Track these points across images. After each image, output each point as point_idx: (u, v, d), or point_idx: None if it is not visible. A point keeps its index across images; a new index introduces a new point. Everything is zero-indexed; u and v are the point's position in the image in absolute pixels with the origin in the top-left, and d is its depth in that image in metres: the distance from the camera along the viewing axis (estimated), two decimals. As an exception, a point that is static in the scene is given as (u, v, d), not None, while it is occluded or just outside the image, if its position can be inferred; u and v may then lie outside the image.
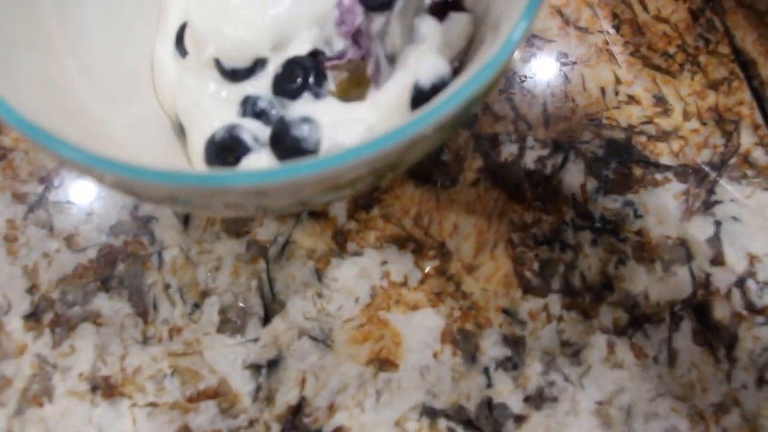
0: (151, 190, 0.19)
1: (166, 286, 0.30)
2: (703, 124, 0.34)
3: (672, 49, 0.35)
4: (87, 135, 0.23)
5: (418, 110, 0.18)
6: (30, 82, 0.22)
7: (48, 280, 0.31)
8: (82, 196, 0.32)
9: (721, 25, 0.36)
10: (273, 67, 0.26)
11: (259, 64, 0.26)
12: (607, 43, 0.35)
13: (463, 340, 0.29)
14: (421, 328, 0.29)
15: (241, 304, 0.30)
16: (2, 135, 0.33)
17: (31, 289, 0.31)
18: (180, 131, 0.29)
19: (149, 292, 0.30)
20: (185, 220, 0.31)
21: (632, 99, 0.34)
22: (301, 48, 0.26)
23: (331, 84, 0.26)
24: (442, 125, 0.18)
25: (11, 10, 0.22)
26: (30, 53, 0.23)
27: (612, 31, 0.36)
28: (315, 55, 0.26)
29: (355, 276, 0.30)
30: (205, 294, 0.30)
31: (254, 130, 0.26)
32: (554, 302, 0.30)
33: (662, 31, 0.36)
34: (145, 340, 0.29)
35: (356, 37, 0.26)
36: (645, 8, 0.36)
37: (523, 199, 0.32)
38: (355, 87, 0.26)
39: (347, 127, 0.25)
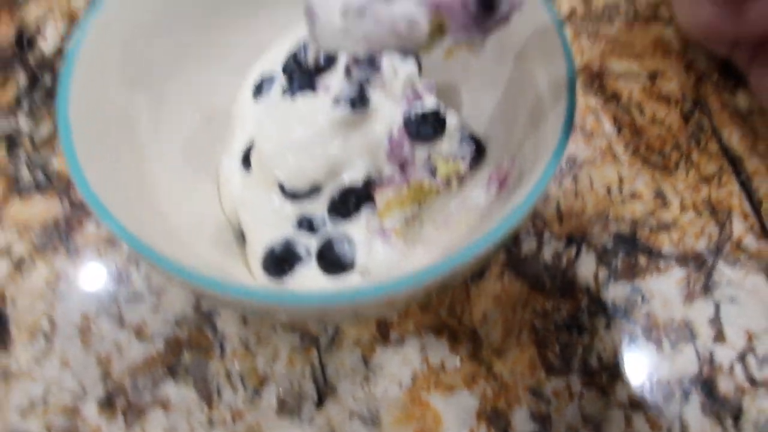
0: (221, 299, 0.22)
1: (228, 374, 0.34)
2: (699, 215, 0.38)
3: (667, 149, 0.40)
4: (161, 232, 0.27)
5: (474, 239, 0.22)
6: (121, 184, 0.27)
7: (120, 369, 0.34)
8: (149, 290, 0.36)
9: (709, 126, 0.41)
10: (329, 191, 0.31)
11: (315, 189, 0.31)
12: (611, 146, 0.40)
13: (495, 418, 0.33)
14: (458, 408, 0.33)
15: (296, 390, 0.33)
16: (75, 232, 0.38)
17: (105, 377, 0.34)
18: (239, 235, 0.34)
19: (213, 379, 0.34)
20: (244, 315, 0.35)
21: (635, 195, 0.38)
22: (355, 174, 0.30)
23: (378, 205, 0.31)
24: (495, 247, 0.22)
25: (114, 127, 0.28)
26: (124, 159, 0.29)
27: (614, 134, 0.40)
28: (367, 182, 0.31)
29: (398, 362, 0.34)
30: (263, 380, 0.34)
31: (307, 244, 0.31)
32: (575, 381, 0.34)
33: (658, 132, 0.40)
34: (211, 424, 0.33)
35: (403, 165, 0.30)
36: (642, 113, 0.41)
37: (543, 289, 0.36)
38: (398, 206, 0.30)
39: (373, 248, 0.30)
